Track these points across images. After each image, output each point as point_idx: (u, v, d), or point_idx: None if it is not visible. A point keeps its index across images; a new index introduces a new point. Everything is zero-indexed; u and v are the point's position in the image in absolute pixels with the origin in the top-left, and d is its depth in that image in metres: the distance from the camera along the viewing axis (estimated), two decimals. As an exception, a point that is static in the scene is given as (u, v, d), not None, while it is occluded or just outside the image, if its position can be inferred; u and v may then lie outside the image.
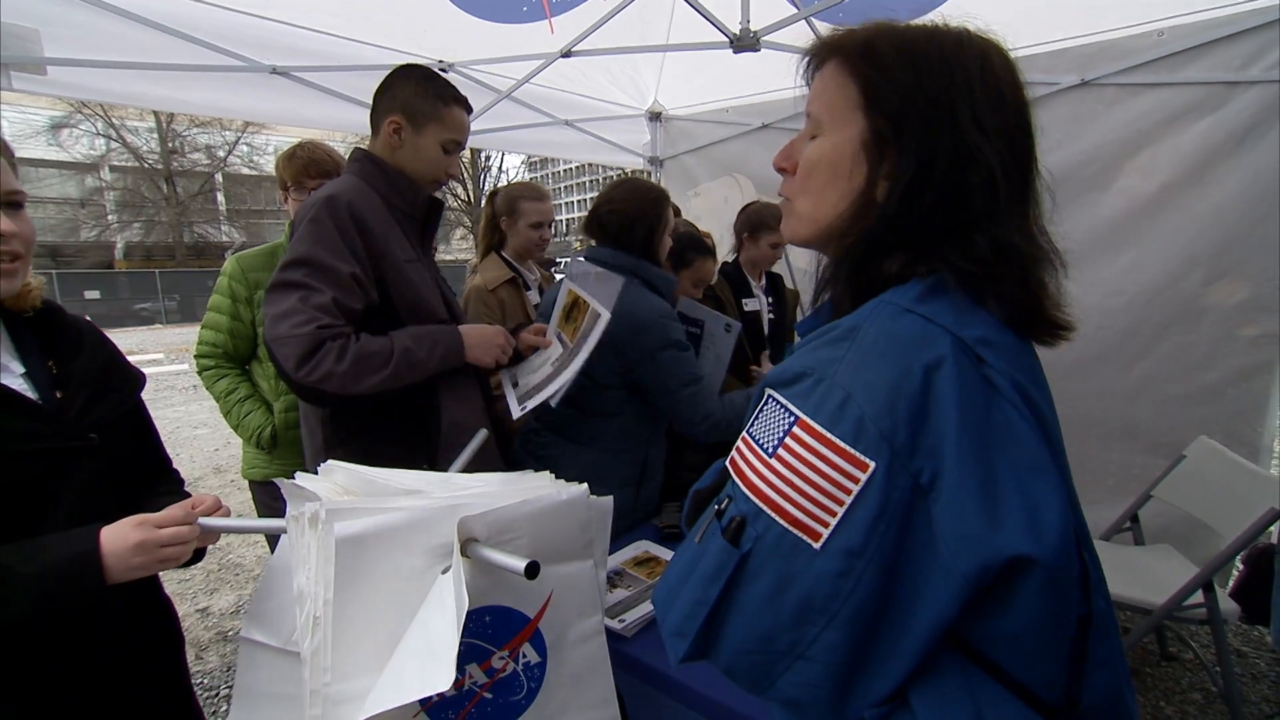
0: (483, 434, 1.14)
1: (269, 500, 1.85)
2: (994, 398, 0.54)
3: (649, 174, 3.73)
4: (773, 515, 0.54)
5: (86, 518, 0.90)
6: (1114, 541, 2.28)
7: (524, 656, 0.88)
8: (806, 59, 0.67)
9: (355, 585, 0.78)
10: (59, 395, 0.92)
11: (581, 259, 1.54)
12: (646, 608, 1.25)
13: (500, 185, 2.36)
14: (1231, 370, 2.24)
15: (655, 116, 3.59)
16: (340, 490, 0.93)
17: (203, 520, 0.90)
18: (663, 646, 1.17)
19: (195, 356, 1.85)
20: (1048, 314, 0.61)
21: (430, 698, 0.79)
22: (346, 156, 1.84)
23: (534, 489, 0.91)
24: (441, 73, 2.62)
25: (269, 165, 25.28)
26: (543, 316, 1.70)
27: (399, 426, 1.33)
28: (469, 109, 1.42)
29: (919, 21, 0.63)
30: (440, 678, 0.69)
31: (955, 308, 0.57)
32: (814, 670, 0.54)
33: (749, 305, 2.47)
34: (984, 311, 0.58)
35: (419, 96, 1.35)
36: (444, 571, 0.81)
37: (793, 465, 0.53)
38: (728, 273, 2.45)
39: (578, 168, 57.31)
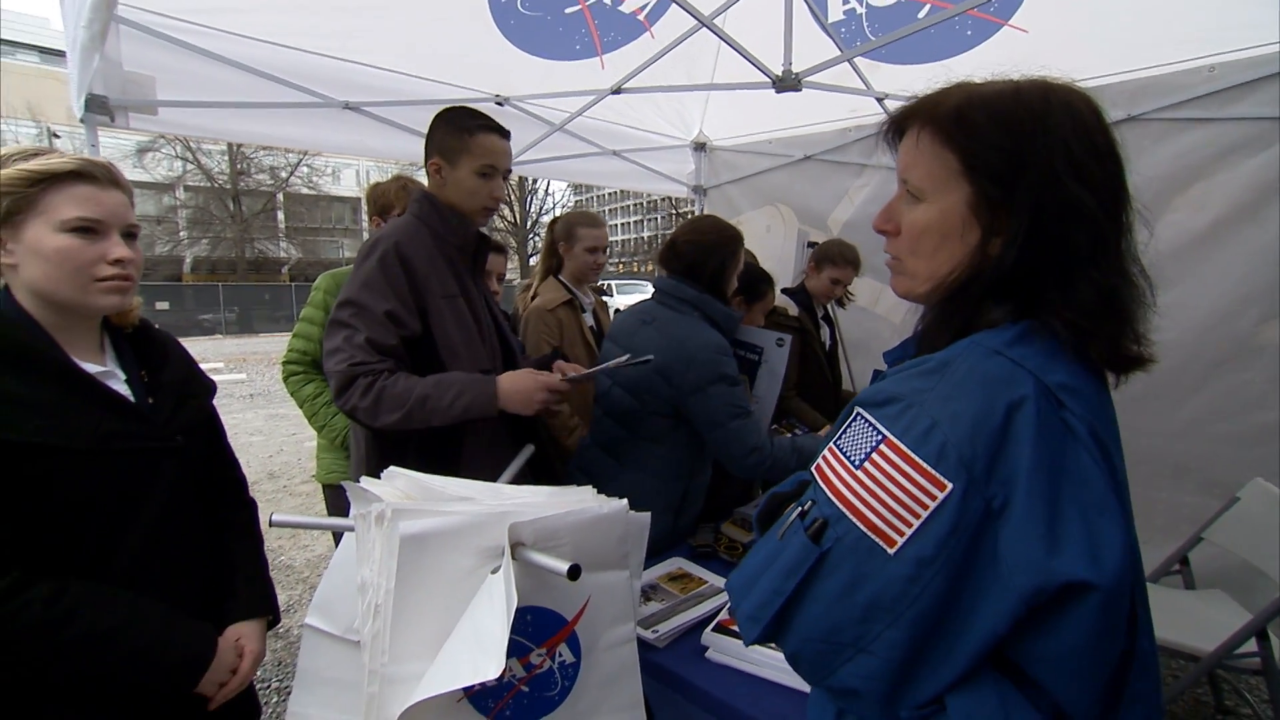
0: (529, 449, 1.23)
1: (339, 502, 1.98)
2: (1069, 439, 0.59)
3: (693, 202, 3.83)
4: (853, 520, 0.60)
5: (173, 512, 1.01)
6: (1162, 584, 2.20)
7: (560, 656, 0.95)
8: (889, 128, 0.73)
9: (414, 578, 0.86)
10: (151, 401, 1.04)
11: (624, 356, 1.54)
12: (679, 620, 1.30)
13: (560, 213, 2.50)
14: (1285, 412, 2.17)
15: (700, 147, 3.70)
16: (401, 494, 1.02)
17: (276, 517, 1.00)
18: (692, 658, 1.23)
19: (283, 363, 2.00)
20: (1134, 352, 0.65)
21: (474, 686, 0.86)
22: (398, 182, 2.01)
23: (577, 502, 0.99)
24: (498, 106, 2.80)
25: (327, 185, 26.62)
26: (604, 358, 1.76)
27: (425, 448, 1.41)
28: (502, 133, 1.49)
29: (993, 78, 0.68)
30: (490, 667, 0.76)
31: (1042, 353, 0.61)
32: (874, 663, 0.60)
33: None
34: (1067, 358, 0.62)
35: (447, 134, 1.47)
36: (493, 571, 0.89)
37: (876, 478, 0.60)
38: (802, 303, 2.55)
39: (620, 192, 58.24)
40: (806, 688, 1.14)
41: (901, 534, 0.58)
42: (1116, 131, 0.67)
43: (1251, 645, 1.73)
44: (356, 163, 27.67)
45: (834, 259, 2.48)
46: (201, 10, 1.94)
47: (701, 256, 1.69)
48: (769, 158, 3.53)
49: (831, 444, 0.66)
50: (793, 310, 2.46)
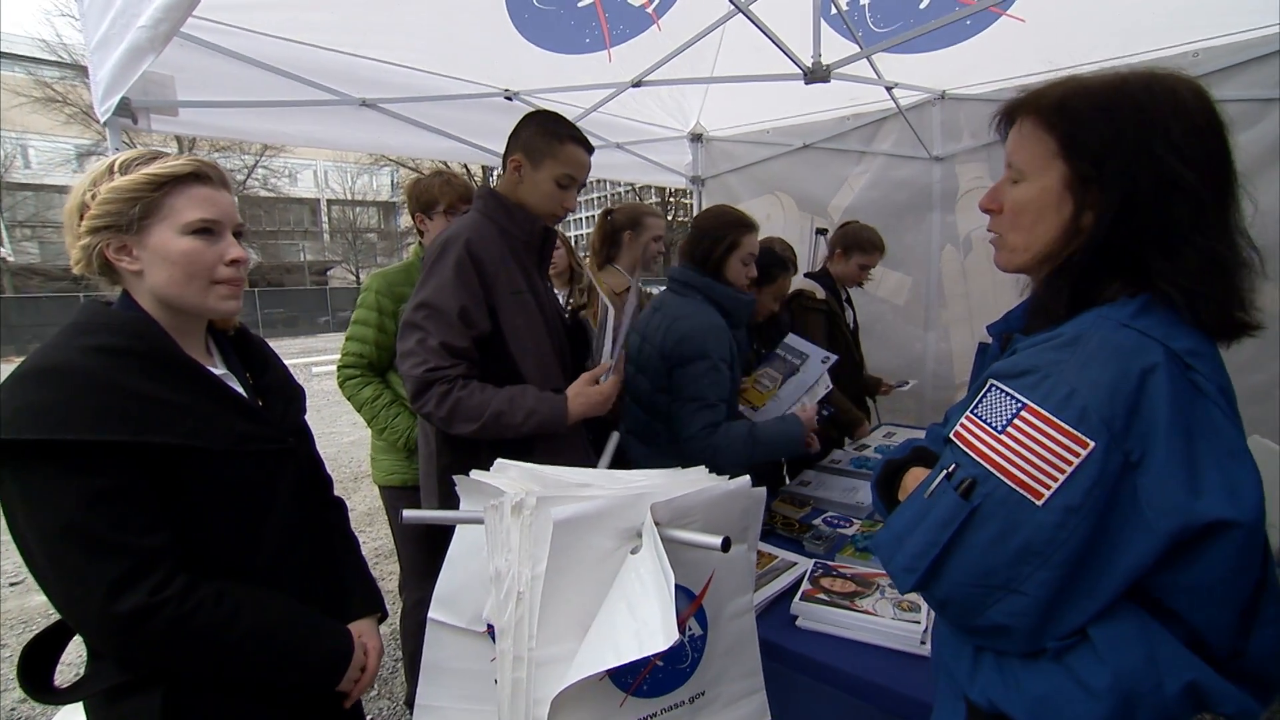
0: (616, 436, 1.26)
1: (399, 504, 1.96)
2: (1199, 398, 0.66)
3: (692, 193, 3.87)
4: (1001, 477, 0.68)
5: (296, 512, 1.02)
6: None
7: (690, 629, 0.99)
8: (1000, 118, 0.81)
9: (563, 562, 0.89)
10: (261, 403, 1.05)
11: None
12: (763, 594, 1.36)
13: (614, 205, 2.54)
14: (1277, 373, 2.33)
15: (696, 138, 3.74)
16: (519, 484, 1.04)
17: (407, 513, 1.01)
18: (783, 627, 1.29)
19: (340, 366, 1.97)
20: (1241, 319, 0.72)
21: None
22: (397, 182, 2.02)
23: (695, 481, 1.02)
24: (508, 100, 2.79)
25: (285, 187, 25.79)
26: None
27: (496, 442, 1.40)
28: (588, 147, 1.52)
29: (1102, 71, 0.74)
30: (657, 640, 0.80)
31: (1165, 323, 0.69)
32: (1025, 601, 0.68)
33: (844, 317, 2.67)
34: (1188, 327, 0.69)
35: (536, 136, 1.48)
36: (632, 552, 0.92)
37: (1021, 440, 0.68)
38: (827, 286, 2.63)
39: (588, 184, 57.81)
40: (897, 646, 1.21)
41: (1048, 487, 0.66)
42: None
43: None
44: (314, 163, 26.85)
45: (863, 245, 2.58)
46: (217, 7, 1.89)
47: (696, 239, 1.78)
48: (767, 147, 3.59)
49: (969, 413, 0.74)
50: (820, 294, 2.54)
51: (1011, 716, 0.72)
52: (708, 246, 1.76)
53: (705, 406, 1.64)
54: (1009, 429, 0.69)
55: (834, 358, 1.98)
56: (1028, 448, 0.67)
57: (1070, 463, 0.65)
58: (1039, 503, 0.66)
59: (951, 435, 0.75)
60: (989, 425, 0.71)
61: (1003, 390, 0.71)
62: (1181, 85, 0.72)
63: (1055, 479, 0.65)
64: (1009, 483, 0.68)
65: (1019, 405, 0.69)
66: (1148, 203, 0.69)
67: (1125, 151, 0.69)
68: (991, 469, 0.69)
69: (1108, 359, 0.66)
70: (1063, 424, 0.65)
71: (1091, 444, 0.64)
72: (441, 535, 1.19)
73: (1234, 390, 0.73)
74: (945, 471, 0.74)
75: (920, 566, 0.72)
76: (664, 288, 1.89)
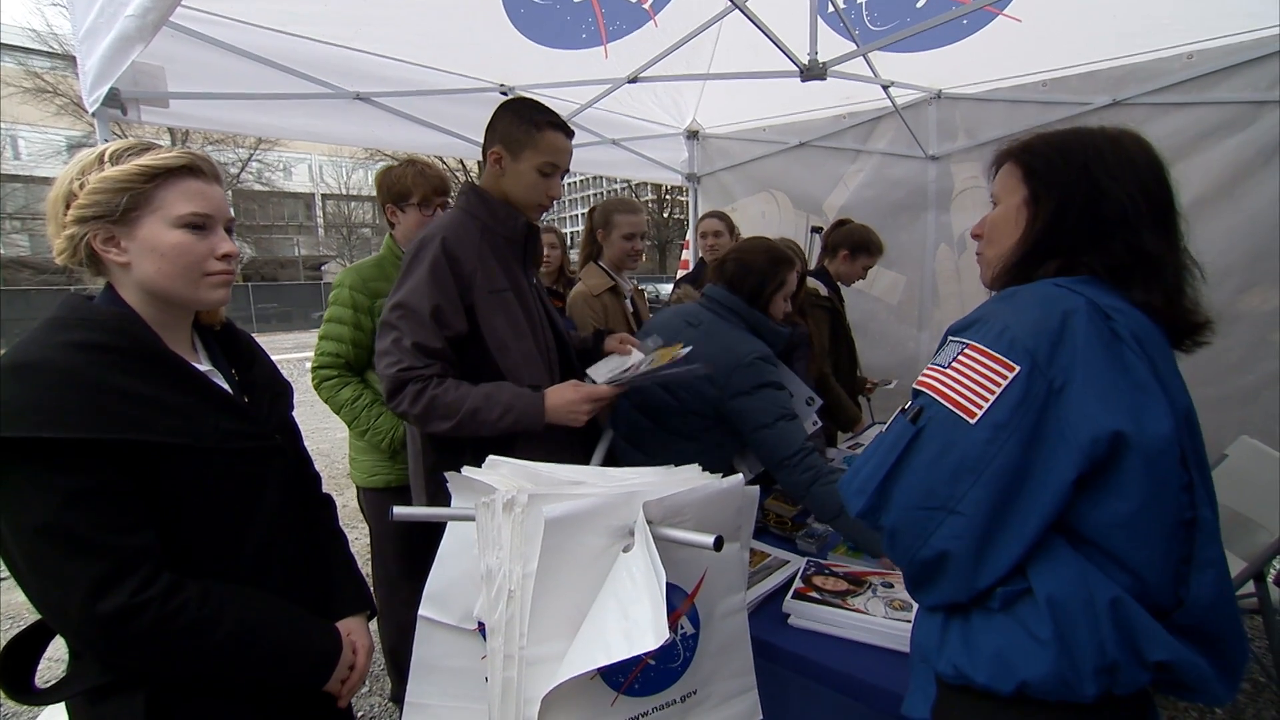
0: (610, 433, 1.26)
1: (381, 504, 1.90)
2: (1115, 341, 0.77)
3: (688, 190, 3.87)
4: (942, 401, 0.79)
5: (284, 510, 1.01)
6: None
7: (682, 628, 0.99)
8: (993, 164, 0.97)
9: (554, 561, 0.88)
10: (246, 400, 1.03)
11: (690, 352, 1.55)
12: (755, 591, 1.35)
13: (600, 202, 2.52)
14: (1267, 374, 2.35)
15: (692, 135, 3.73)
16: (511, 481, 1.03)
17: (397, 510, 1.00)
18: (774, 625, 1.29)
19: (314, 368, 1.86)
20: (1184, 314, 0.82)
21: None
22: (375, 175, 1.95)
23: (689, 480, 1.02)
24: (502, 95, 2.77)
25: (280, 181, 25.64)
26: (643, 335, 1.79)
27: (480, 442, 1.37)
28: (568, 132, 1.48)
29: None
30: (648, 639, 0.79)
31: (1096, 288, 0.80)
32: (962, 522, 0.76)
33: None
34: (1120, 297, 0.80)
35: (514, 125, 1.44)
36: (625, 550, 0.92)
37: (961, 370, 0.79)
38: (828, 283, 2.63)
39: (581, 181, 57.80)
40: (889, 645, 1.22)
41: (980, 407, 0.76)
42: (1103, 117, 0.86)
43: (1249, 587, 1.90)
44: (309, 157, 26.70)
45: (869, 248, 2.61)
46: (209, -3, 1.87)
47: (742, 273, 1.76)
48: (763, 144, 3.59)
49: (929, 364, 0.86)
50: (823, 291, 2.54)
51: (974, 680, 0.78)
52: (757, 283, 1.74)
53: (791, 417, 1.62)
54: (954, 364, 0.80)
55: (819, 401, 1.93)
56: (967, 375, 0.78)
57: (999, 384, 0.75)
58: (972, 421, 0.76)
59: (915, 384, 0.86)
60: (939, 365, 0.83)
61: (955, 340, 0.83)
62: (1123, 133, 0.86)
63: (986, 399, 0.76)
64: (948, 405, 0.78)
65: (963, 345, 0.81)
66: (1081, 205, 0.83)
67: (1066, 170, 0.85)
68: (935, 395, 0.80)
69: (1036, 303, 0.79)
70: (994, 352, 0.77)
71: (1017, 368, 0.75)
72: (422, 533, 1.16)
73: (1158, 341, 0.81)
74: (902, 408, 0.85)
75: (870, 489, 0.82)
76: (689, 298, 1.83)
